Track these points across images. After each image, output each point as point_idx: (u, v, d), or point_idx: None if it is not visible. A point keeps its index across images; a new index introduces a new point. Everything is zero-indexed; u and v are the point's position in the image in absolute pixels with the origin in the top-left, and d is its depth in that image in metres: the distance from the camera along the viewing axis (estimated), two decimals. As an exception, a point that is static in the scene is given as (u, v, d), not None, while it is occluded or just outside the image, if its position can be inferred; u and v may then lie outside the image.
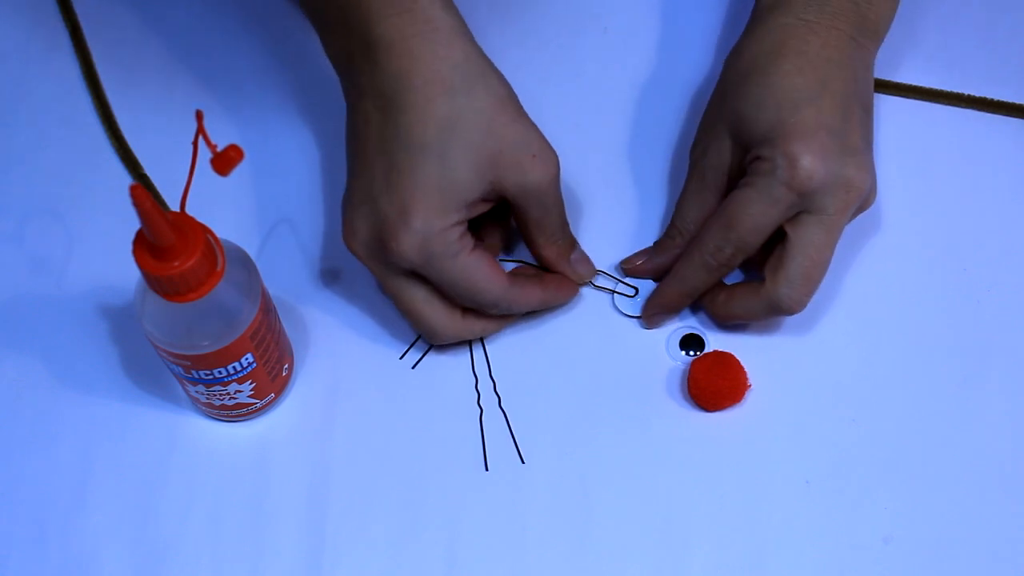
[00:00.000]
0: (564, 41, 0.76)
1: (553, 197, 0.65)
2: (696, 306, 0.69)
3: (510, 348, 0.68)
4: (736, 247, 0.64)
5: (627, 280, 0.70)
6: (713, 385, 0.66)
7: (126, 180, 0.72)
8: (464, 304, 0.65)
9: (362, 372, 0.68)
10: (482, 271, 0.63)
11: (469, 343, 0.68)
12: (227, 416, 0.65)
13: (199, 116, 0.52)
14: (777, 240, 0.64)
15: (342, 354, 0.68)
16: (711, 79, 0.75)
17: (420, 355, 0.68)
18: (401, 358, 0.68)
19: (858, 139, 0.64)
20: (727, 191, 0.66)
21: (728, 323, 0.68)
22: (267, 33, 0.76)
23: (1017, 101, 0.74)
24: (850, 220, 0.65)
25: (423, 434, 0.67)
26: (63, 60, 0.75)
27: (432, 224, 0.61)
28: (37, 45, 0.76)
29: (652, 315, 0.68)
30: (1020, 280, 0.70)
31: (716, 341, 0.68)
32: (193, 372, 0.60)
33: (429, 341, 0.67)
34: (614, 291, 0.69)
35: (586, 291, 0.70)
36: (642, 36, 0.76)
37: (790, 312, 0.65)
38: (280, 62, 0.75)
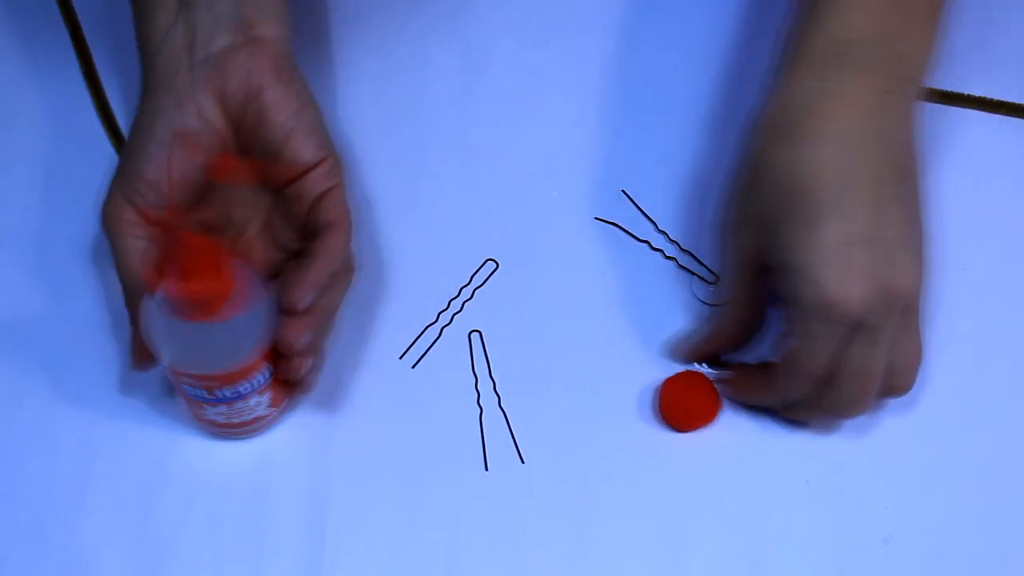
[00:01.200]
0: (564, 41, 0.76)
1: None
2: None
3: (510, 348, 0.68)
4: (808, 386, 0.61)
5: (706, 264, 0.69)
6: (684, 405, 0.66)
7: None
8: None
9: (362, 372, 0.68)
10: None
11: (469, 344, 0.68)
12: (246, 432, 0.65)
13: (177, 138, 0.52)
14: None
15: (342, 354, 0.68)
16: (712, 78, 0.75)
17: (420, 355, 0.68)
18: (401, 358, 0.68)
19: (896, 233, 0.58)
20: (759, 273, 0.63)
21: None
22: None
23: (1017, 101, 0.74)
24: (894, 322, 0.59)
25: (423, 434, 0.67)
26: (63, 60, 0.75)
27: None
28: (37, 45, 0.76)
29: (725, 391, 0.66)
30: (1020, 280, 0.70)
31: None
32: (217, 392, 0.60)
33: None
34: (693, 273, 0.69)
35: (588, 292, 0.70)
36: (642, 36, 0.76)
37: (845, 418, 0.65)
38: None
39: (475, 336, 0.69)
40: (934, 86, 0.74)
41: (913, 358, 0.62)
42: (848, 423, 0.66)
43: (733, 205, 0.64)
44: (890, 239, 0.58)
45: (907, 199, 0.60)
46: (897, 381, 0.62)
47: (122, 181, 0.62)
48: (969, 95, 0.74)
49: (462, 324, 0.69)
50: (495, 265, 0.70)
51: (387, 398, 0.67)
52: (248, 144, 0.62)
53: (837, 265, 0.57)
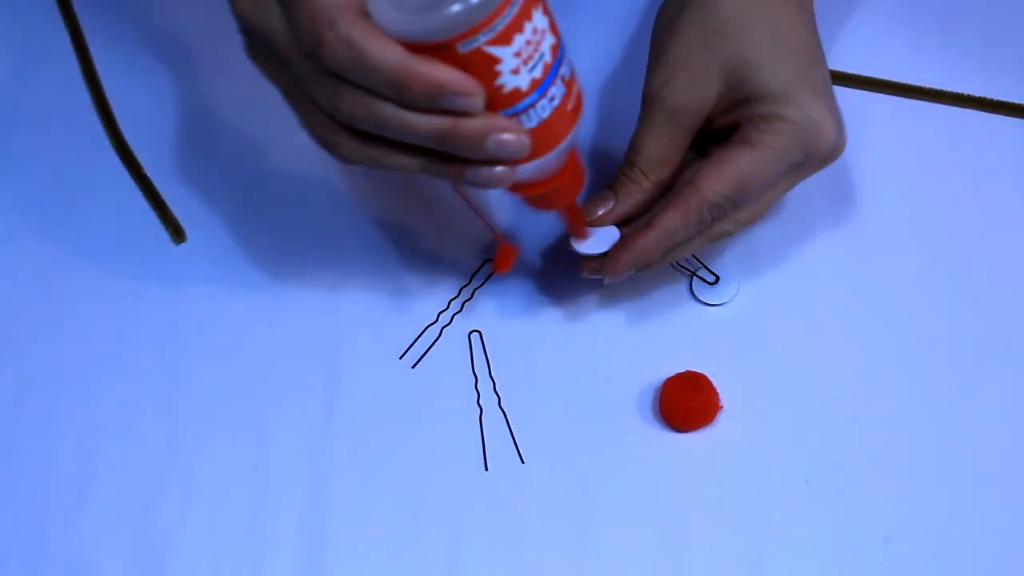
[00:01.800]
0: (564, 41, 0.76)
1: None
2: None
3: (510, 348, 0.68)
4: (735, 205, 0.62)
5: (708, 266, 0.68)
6: (684, 405, 0.66)
7: (126, 180, 0.72)
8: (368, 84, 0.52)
9: (362, 372, 0.68)
10: (374, 35, 0.50)
11: (469, 344, 0.68)
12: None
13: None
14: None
15: (342, 354, 0.68)
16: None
17: (420, 355, 0.68)
18: (401, 358, 0.68)
19: (836, 101, 0.63)
20: (697, 132, 0.63)
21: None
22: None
23: (1017, 101, 0.74)
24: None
25: (423, 434, 0.66)
26: (63, 60, 0.75)
27: None
28: (37, 45, 0.76)
29: (621, 270, 0.63)
30: (1020, 280, 0.70)
31: (690, 361, 0.68)
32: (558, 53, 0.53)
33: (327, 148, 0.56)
34: (694, 273, 0.69)
35: (588, 292, 0.70)
36: (642, 36, 0.76)
37: (721, 234, 0.64)
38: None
39: (475, 336, 0.69)
40: (934, 86, 0.74)
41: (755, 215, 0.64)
42: (848, 423, 0.66)
43: (697, 51, 0.62)
44: (835, 102, 0.63)
45: None
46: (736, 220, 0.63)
47: None
48: (969, 95, 0.74)
49: (462, 324, 0.69)
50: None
51: (387, 398, 0.67)
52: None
53: (827, 102, 0.61)
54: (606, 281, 0.65)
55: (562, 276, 0.70)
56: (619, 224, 0.65)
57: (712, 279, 0.69)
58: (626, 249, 0.63)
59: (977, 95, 0.74)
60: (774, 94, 0.61)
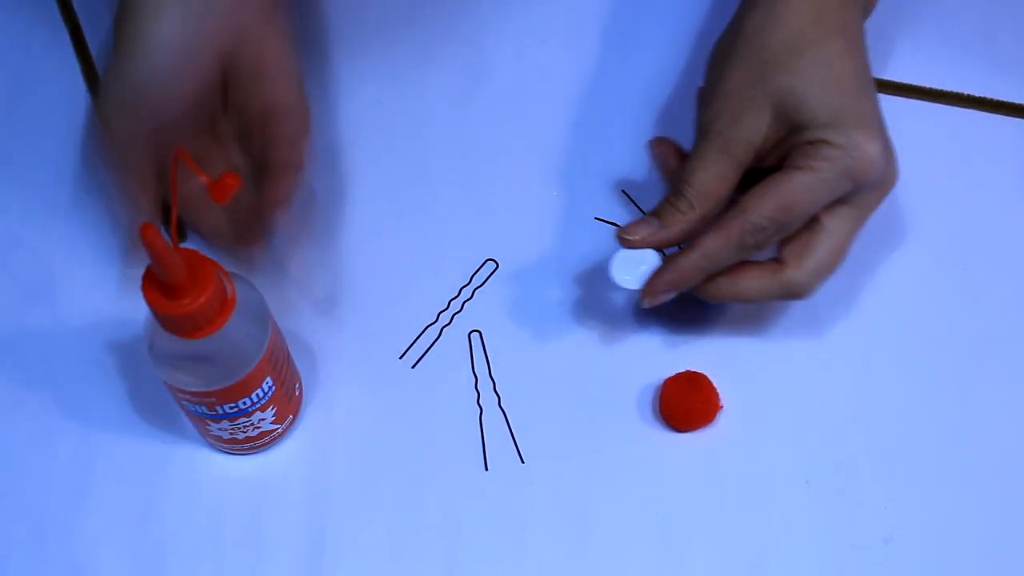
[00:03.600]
0: (564, 41, 0.76)
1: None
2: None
3: (510, 348, 0.68)
4: (780, 230, 0.62)
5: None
6: (684, 405, 0.66)
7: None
8: None
9: (362, 372, 0.68)
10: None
11: (469, 344, 0.68)
12: (251, 448, 0.65)
13: (179, 153, 0.51)
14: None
15: (342, 354, 0.68)
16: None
17: (420, 355, 0.68)
18: (401, 358, 0.68)
19: (887, 132, 0.63)
20: (750, 166, 0.64)
21: (719, 302, 0.65)
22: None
23: (1017, 101, 0.74)
24: (874, 211, 0.64)
25: (423, 434, 0.67)
26: (63, 60, 0.75)
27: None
28: (37, 45, 0.76)
29: (660, 292, 0.64)
30: (1020, 280, 0.70)
31: (690, 361, 0.68)
32: (218, 408, 0.60)
33: None
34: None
35: (588, 292, 0.70)
36: (642, 36, 0.76)
37: (801, 298, 0.63)
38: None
39: (475, 336, 0.69)
40: (935, 86, 0.75)
41: (827, 263, 0.63)
42: (848, 423, 0.66)
43: (749, 86, 0.63)
44: (887, 135, 0.63)
45: None
46: (805, 270, 0.63)
47: (129, 92, 0.62)
48: (969, 95, 0.74)
49: (462, 324, 0.69)
50: (495, 265, 0.70)
51: (387, 398, 0.67)
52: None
53: (874, 131, 0.61)
54: (644, 303, 0.65)
55: (562, 276, 0.70)
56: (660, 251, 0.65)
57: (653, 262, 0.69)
58: (665, 269, 0.63)
59: (977, 95, 0.74)
60: (820, 122, 0.61)
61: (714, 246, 0.62)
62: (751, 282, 0.63)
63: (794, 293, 0.63)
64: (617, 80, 0.75)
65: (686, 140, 0.73)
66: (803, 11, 0.62)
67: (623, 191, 0.72)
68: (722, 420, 0.67)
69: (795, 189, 0.61)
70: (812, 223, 0.63)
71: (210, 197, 0.51)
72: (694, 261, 0.63)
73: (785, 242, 0.63)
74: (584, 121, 0.74)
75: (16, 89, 0.75)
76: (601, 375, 0.68)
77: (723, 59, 0.65)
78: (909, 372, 0.68)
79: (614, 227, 0.71)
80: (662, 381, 0.67)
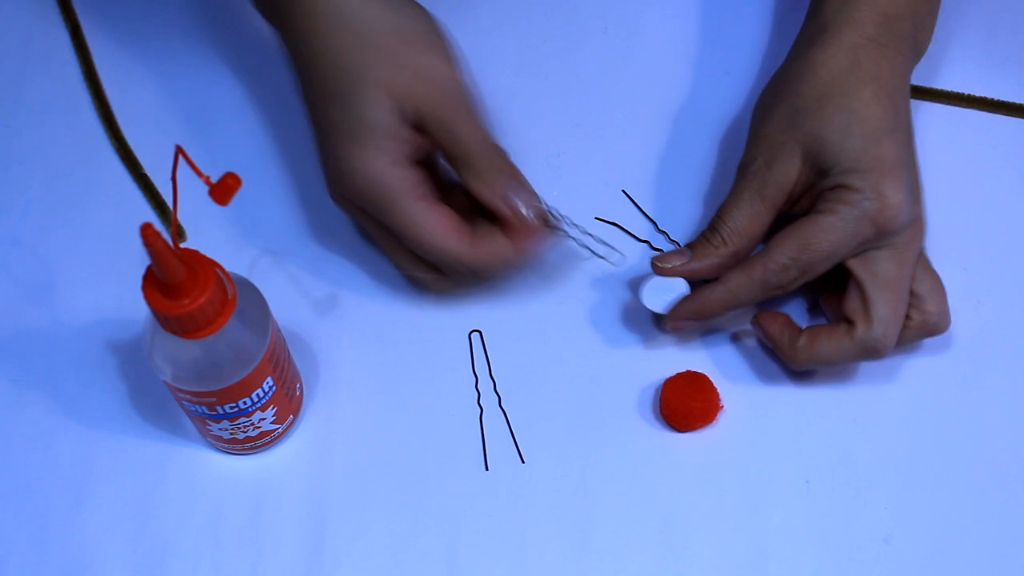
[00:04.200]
0: (564, 41, 0.76)
1: (464, 126, 0.64)
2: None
3: (510, 348, 0.68)
4: (803, 271, 0.64)
5: (612, 245, 0.68)
6: (684, 405, 0.66)
7: (126, 180, 0.72)
8: (427, 258, 0.65)
9: (362, 372, 0.68)
10: (432, 221, 0.63)
11: (470, 344, 0.68)
12: (252, 448, 0.65)
13: (179, 151, 0.51)
14: (842, 276, 0.64)
15: (342, 354, 0.68)
16: (711, 77, 0.75)
17: (421, 355, 0.68)
18: (401, 358, 0.68)
19: (917, 175, 0.65)
20: (783, 209, 0.66)
21: (801, 367, 0.66)
22: (268, 33, 0.76)
23: (1017, 101, 0.74)
24: (917, 250, 0.64)
25: (423, 434, 0.66)
26: (63, 60, 0.75)
27: (358, 165, 0.63)
28: (37, 45, 0.76)
29: (684, 319, 0.66)
30: (1020, 280, 0.70)
31: (690, 361, 0.68)
32: (219, 408, 0.60)
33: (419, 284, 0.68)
34: (593, 252, 0.69)
35: (589, 291, 0.70)
36: (642, 36, 0.76)
37: (881, 355, 0.64)
38: (281, 64, 0.75)
39: (475, 336, 0.69)
40: (935, 86, 0.74)
41: (939, 291, 0.65)
42: (848, 423, 0.66)
43: (783, 131, 0.65)
44: (916, 177, 0.64)
45: (915, 151, 0.66)
46: (931, 308, 0.64)
47: (372, 137, 0.63)
48: (969, 95, 0.74)
49: (462, 324, 0.69)
50: (495, 265, 0.70)
51: (387, 398, 0.67)
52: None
53: (895, 176, 0.62)
54: (668, 327, 0.67)
55: (562, 276, 0.70)
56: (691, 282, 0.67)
57: (618, 260, 0.69)
58: (691, 299, 0.66)
59: (977, 95, 0.74)
60: (842, 167, 0.63)
61: (738, 282, 0.65)
62: (826, 344, 0.64)
63: (872, 350, 0.64)
64: (617, 80, 0.75)
65: (687, 139, 0.73)
66: (839, 59, 0.64)
67: (623, 191, 0.72)
68: (722, 420, 0.67)
69: (815, 230, 0.63)
70: (858, 279, 0.63)
71: (211, 198, 0.51)
72: (718, 294, 0.65)
73: (845, 306, 0.64)
74: (584, 121, 0.74)
75: (16, 89, 0.75)
76: (602, 375, 0.68)
77: (765, 106, 0.67)
78: (909, 372, 0.68)
79: (616, 226, 0.71)
80: (662, 381, 0.67)
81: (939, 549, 0.64)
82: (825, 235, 0.63)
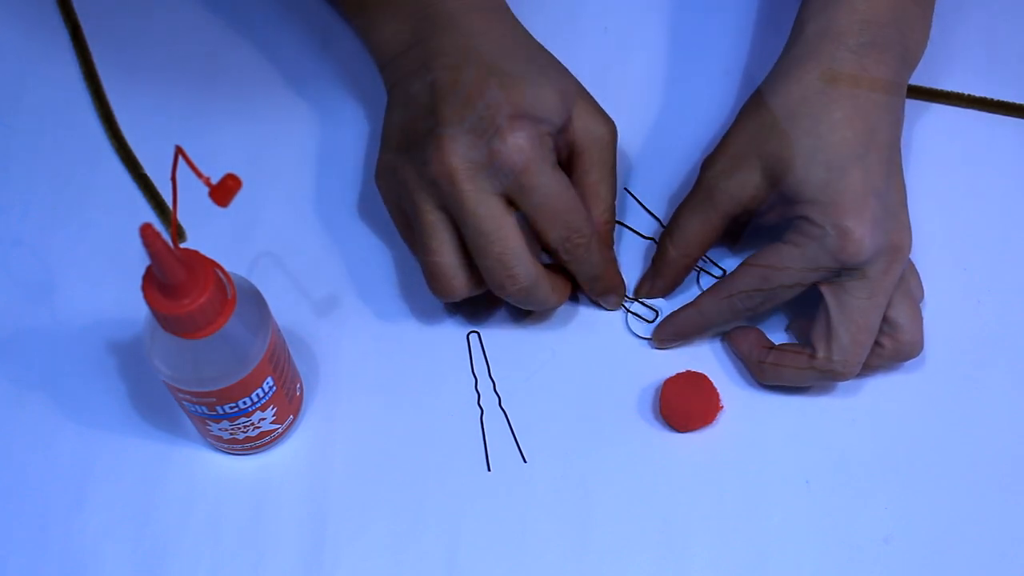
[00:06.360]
0: (564, 41, 0.76)
1: (612, 159, 0.66)
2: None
3: (510, 348, 0.68)
4: (767, 298, 0.64)
5: (647, 302, 0.69)
6: (684, 405, 0.66)
7: (126, 180, 0.72)
8: (543, 225, 0.63)
9: (362, 373, 0.68)
10: (569, 187, 0.64)
11: (469, 344, 0.68)
12: (252, 448, 0.65)
13: (179, 152, 0.51)
14: (815, 300, 0.64)
15: (342, 354, 0.68)
16: (710, 78, 0.75)
17: (421, 356, 0.68)
18: (402, 359, 0.68)
19: (899, 197, 0.63)
20: (735, 220, 0.66)
21: (770, 383, 0.67)
22: (268, 34, 0.76)
23: (1017, 101, 0.74)
24: (895, 279, 0.63)
25: (424, 434, 0.66)
26: (63, 60, 0.75)
27: (535, 127, 0.62)
28: (37, 45, 0.76)
29: (665, 339, 0.68)
30: (1020, 280, 0.70)
31: (690, 361, 0.68)
32: (218, 408, 0.60)
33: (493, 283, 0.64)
34: (629, 311, 0.69)
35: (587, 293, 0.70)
36: (642, 36, 0.76)
37: (844, 378, 0.64)
38: (281, 64, 0.75)
39: (475, 336, 0.69)
40: (935, 86, 0.74)
41: (916, 319, 0.64)
42: (848, 423, 0.66)
43: (747, 145, 0.65)
44: (894, 201, 0.63)
45: (900, 169, 0.64)
46: (904, 337, 0.64)
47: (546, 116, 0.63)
48: (969, 95, 0.74)
49: (462, 324, 0.69)
50: (495, 265, 0.70)
51: (387, 398, 0.67)
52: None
53: (859, 210, 0.61)
54: (654, 345, 0.69)
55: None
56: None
57: (651, 316, 0.69)
58: (668, 321, 0.68)
59: (978, 95, 0.74)
60: (804, 198, 0.62)
61: (707, 305, 0.66)
62: (791, 368, 0.65)
63: (833, 375, 0.64)
64: (617, 80, 0.75)
65: (687, 139, 0.73)
66: (813, 76, 0.63)
67: (625, 188, 0.72)
68: (722, 420, 0.67)
69: (775, 260, 0.63)
70: (826, 306, 0.63)
71: (211, 199, 0.51)
72: (692, 317, 0.67)
73: (812, 330, 0.64)
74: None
75: (16, 89, 0.75)
76: (602, 375, 0.68)
77: (741, 112, 0.67)
78: (909, 372, 0.68)
79: (621, 225, 0.71)
80: (662, 381, 0.67)
81: (939, 549, 0.64)
82: (786, 265, 0.63)
